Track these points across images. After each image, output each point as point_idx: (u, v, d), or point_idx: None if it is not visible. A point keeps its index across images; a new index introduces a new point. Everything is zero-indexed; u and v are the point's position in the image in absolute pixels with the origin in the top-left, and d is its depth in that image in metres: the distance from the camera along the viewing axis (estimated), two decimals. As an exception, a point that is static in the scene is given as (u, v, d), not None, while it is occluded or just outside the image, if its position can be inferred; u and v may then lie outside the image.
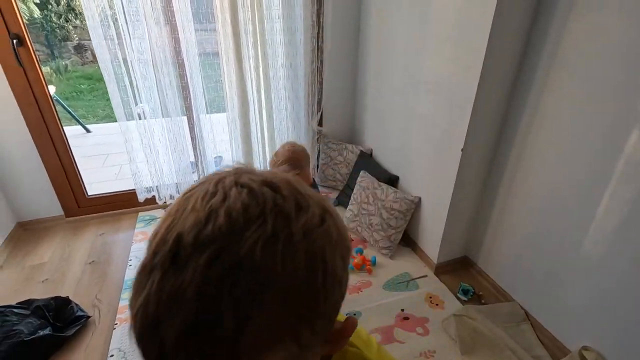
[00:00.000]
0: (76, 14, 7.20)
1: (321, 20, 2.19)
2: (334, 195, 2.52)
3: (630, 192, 1.12)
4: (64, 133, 2.10)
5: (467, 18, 1.41)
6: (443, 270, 1.88)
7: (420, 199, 1.92)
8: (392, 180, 2.13)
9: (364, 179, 2.12)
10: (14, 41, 1.77)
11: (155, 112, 2.05)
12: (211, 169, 2.35)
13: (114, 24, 1.81)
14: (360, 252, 1.98)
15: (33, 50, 1.86)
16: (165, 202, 2.34)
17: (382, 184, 2.04)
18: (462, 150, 1.55)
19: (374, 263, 1.91)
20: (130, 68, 1.91)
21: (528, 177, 1.49)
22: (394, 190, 1.97)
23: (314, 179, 1.66)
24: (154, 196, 2.31)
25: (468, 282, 1.80)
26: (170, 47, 1.95)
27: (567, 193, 1.34)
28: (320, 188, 2.63)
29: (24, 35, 1.81)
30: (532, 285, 1.55)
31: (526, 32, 1.37)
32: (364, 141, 2.53)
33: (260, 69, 2.13)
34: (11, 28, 1.77)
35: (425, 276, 1.85)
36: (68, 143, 2.12)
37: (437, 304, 1.68)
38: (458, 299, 1.72)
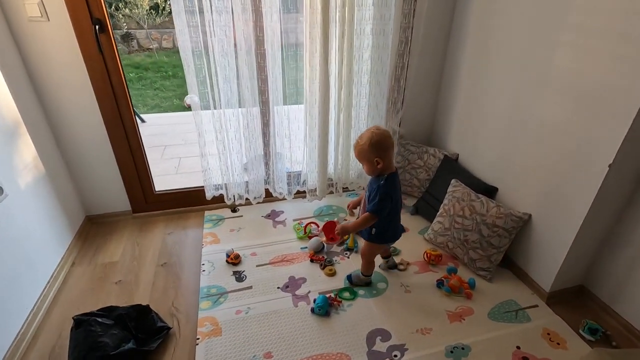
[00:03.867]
0: (125, 3, 7.29)
1: (413, 6, 1.95)
2: (409, 202, 2.30)
3: None
4: (138, 126, 2.00)
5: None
6: (556, 300, 1.63)
7: (530, 216, 1.67)
8: (490, 192, 1.88)
9: (458, 188, 1.89)
10: (97, 27, 1.66)
11: (231, 104, 1.90)
12: (281, 169, 2.19)
13: (199, 10, 1.66)
14: (454, 271, 1.76)
15: (113, 37, 1.74)
16: (233, 202, 2.21)
17: (480, 195, 1.80)
18: (609, 166, 1.29)
19: (472, 286, 1.68)
20: (212, 57, 1.76)
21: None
22: (496, 204, 1.73)
23: (396, 169, 1.47)
24: (221, 194, 2.19)
25: (590, 318, 1.54)
26: (254, 36, 1.78)
27: None
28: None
29: (106, 21, 1.69)
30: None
31: None
32: (446, 145, 2.29)
33: (345, 61, 1.93)
34: (94, 12, 1.65)
35: (536, 306, 1.61)
36: (140, 137, 2.02)
37: (558, 343, 1.44)
38: (582, 338, 1.47)
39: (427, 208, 2.15)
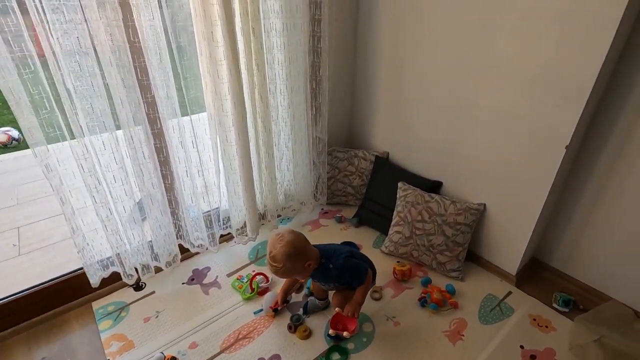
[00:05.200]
0: None
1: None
2: (348, 213, 2.09)
3: None
4: None
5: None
6: (522, 281, 1.67)
7: (485, 205, 1.65)
8: (435, 187, 1.81)
9: (408, 192, 1.75)
10: None
11: (99, 127, 1.26)
12: (194, 210, 1.65)
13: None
14: (429, 281, 1.63)
15: None
16: (139, 280, 1.56)
17: (433, 195, 1.70)
18: (566, 147, 1.31)
19: (453, 293, 1.58)
20: (54, 63, 1.10)
21: (632, 171, 1.33)
22: (451, 201, 1.66)
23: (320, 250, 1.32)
24: (115, 272, 1.52)
25: (551, 287, 1.63)
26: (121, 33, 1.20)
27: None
28: (328, 207, 2.16)
29: None
30: (623, 275, 1.44)
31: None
32: (374, 145, 2.14)
33: (256, 66, 1.52)
34: None
35: (510, 293, 1.61)
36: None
37: (546, 326, 1.46)
38: (558, 311, 1.52)
39: (371, 216, 1.97)
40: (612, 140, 1.36)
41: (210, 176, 1.65)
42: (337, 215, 2.06)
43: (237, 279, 1.64)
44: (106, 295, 1.57)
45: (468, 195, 1.70)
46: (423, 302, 1.54)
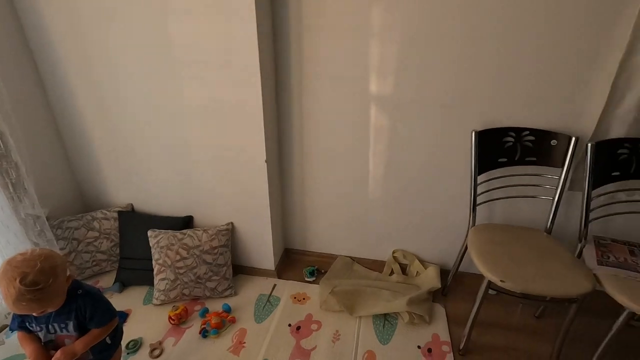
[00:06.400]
0: None
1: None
2: (107, 281, 1.88)
3: (383, 148, 1.73)
4: None
5: (231, 41, 1.44)
6: (282, 271, 2.01)
7: (232, 223, 1.87)
8: (187, 222, 1.90)
9: (160, 237, 1.75)
10: None
11: None
12: None
13: None
14: (206, 311, 1.71)
15: None
16: None
17: (184, 231, 1.78)
18: (266, 161, 1.66)
19: (230, 310, 1.72)
20: None
21: (314, 165, 1.85)
22: (203, 230, 1.79)
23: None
24: None
25: (301, 266, 2.05)
26: None
27: (342, 158, 1.81)
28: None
29: None
30: (341, 236, 2.02)
31: (273, 48, 1.61)
32: (113, 201, 2.00)
33: None
34: None
35: (275, 285, 1.91)
36: None
37: (303, 299, 1.82)
38: (309, 282, 1.93)
39: (134, 274, 1.86)
40: (295, 148, 1.83)
41: None
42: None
43: None
44: None
45: (218, 220, 1.88)
46: (204, 332, 1.60)
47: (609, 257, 1.37)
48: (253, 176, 1.71)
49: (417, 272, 1.93)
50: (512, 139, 1.55)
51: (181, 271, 1.73)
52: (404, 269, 1.98)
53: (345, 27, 1.51)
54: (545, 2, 1.32)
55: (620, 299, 1.19)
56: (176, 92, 1.60)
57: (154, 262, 1.75)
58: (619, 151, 1.43)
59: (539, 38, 1.38)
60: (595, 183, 1.44)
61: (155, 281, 1.75)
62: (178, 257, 1.73)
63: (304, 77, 1.65)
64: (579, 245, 1.48)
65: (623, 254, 1.38)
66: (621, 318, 1.22)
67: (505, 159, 1.58)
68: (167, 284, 1.73)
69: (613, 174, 1.45)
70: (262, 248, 1.91)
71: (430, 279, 1.86)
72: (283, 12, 1.54)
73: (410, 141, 1.68)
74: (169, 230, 1.78)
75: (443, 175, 1.72)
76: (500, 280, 1.26)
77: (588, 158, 1.40)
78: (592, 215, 1.50)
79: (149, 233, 1.77)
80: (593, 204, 1.49)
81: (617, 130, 1.43)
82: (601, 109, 1.42)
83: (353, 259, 2.07)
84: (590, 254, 1.40)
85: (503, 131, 1.55)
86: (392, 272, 1.96)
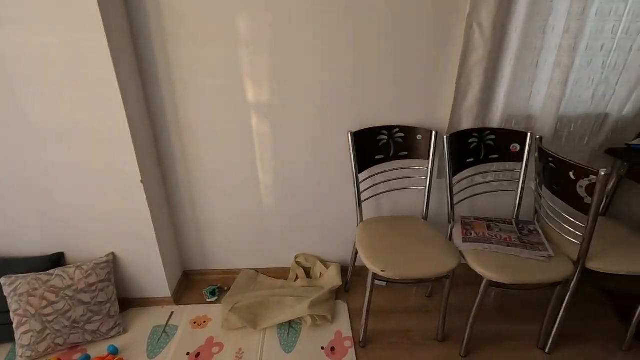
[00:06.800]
0: None
1: None
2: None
3: (269, 156, 1.72)
4: None
5: (79, 55, 1.29)
6: (180, 297, 1.87)
7: (113, 254, 1.68)
8: (58, 260, 1.65)
9: (17, 283, 1.48)
10: None
11: None
12: None
13: None
14: (88, 358, 1.50)
15: None
16: None
17: (51, 271, 1.54)
18: (141, 182, 1.53)
19: (116, 351, 1.54)
20: None
21: (202, 179, 1.76)
22: (75, 266, 1.57)
23: None
24: None
25: (201, 287, 1.93)
26: None
27: (230, 170, 1.76)
28: None
29: None
30: (243, 250, 1.97)
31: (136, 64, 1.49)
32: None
33: None
34: None
35: (173, 313, 1.77)
36: None
37: (204, 322, 1.72)
38: (212, 303, 1.83)
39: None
40: (178, 164, 1.72)
41: None
42: None
43: None
44: None
45: (95, 252, 1.67)
46: (84, 384, 1.40)
47: (471, 234, 1.55)
48: (130, 199, 1.56)
49: (321, 273, 1.97)
50: (385, 137, 1.68)
51: (50, 318, 1.49)
52: (308, 272, 2.00)
53: (212, 35, 1.47)
54: (393, 18, 1.46)
55: (478, 269, 1.36)
56: (18, 113, 1.38)
57: (12, 314, 1.47)
58: (470, 140, 1.64)
59: (395, 49, 1.52)
60: (455, 170, 1.62)
61: (17, 336, 1.47)
62: (44, 303, 1.48)
63: (175, 89, 1.57)
64: (449, 227, 1.65)
65: (482, 230, 1.58)
66: (482, 286, 1.39)
67: (382, 156, 1.70)
68: (32, 336, 1.47)
69: (468, 160, 1.66)
70: (153, 275, 1.75)
71: (331, 278, 1.91)
72: (141, 21, 1.43)
73: (294, 146, 1.71)
74: (30, 274, 1.52)
75: (330, 176, 1.78)
76: (382, 270, 1.34)
77: (446, 148, 1.57)
78: (457, 198, 1.69)
79: (2, 281, 1.49)
80: (456, 189, 1.68)
81: (466, 122, 1.63)
82: (451, 106, 1.61)
83: (257, 270, 2.02)
84: (457, 233, 1.58)
85: (377, 130, 1.66)
86: (297, 278, 1.96)
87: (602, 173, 1.17)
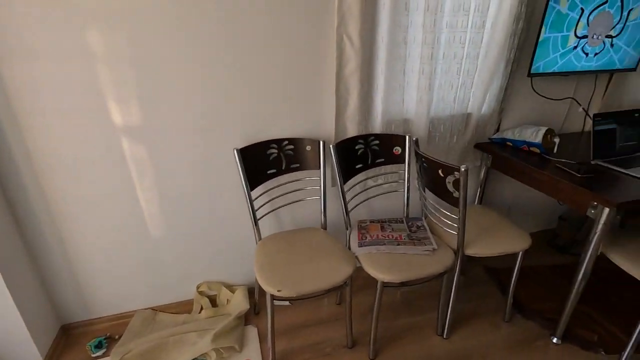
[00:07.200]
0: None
1: None
2: None
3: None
4: None
5: None
6: (58, 357, 1.57)
7: (-49, 324, 1.35)
8: None
9: None
10: None
11: None
12: None
13: None
14: None
15: None
16: None
17: None
18: (-21, 231, 1.25)
19: None
20: None
21: (71, 218, 1.52)
22: None
23: None
24: None
25: (85, 341, 1.66)
26: None
27: (106, 202, 1.56)
28: None
29: None
30: (135, 288, 1.75)
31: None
32: None
33: None
34: None
35: (46, 381, 1.48)
36: None
37: (88, 382, 1.47)
38: (99, 357, 1.58)
39: None
40: (36, 205, 1.46)
41: None
42: None
43: None
44: None
45: None
46: None
47: (366, 238, 1.59)
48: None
49: (227, 299, 1.85)
50: (275, 150, 1.64)
51: None
52: (213, 301, 1.86)
53: (61, 52, 1.27)
54: (272, 28, 1.44)
55: (372, 272, 1.40)
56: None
57: None
58: (357, 147, 1.70)
59: (275, 61, 1.49)
60: (345, 176, 1.66)
61: None
62: None
63: (20, 118, 1.32)
64: (347, 233, 1.68)
65: (376, 232, 1.64)
66: (378, 287, 1.43)
67: (274, 170, 1.66)
68: None
69: (357, 166, 1.71)
70: (13, 341, 1.45)
71: (239, 303, 1.80)
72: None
73: (177, 170, 1.58)
74: None
75: (221, 196, 1.68)
76: (277, 291, 1.29)
77: (333, 157, 1.60)
78: (353, 203, 1.73)
79: None
80: (350, 194, 1.72)
81: (351, 129, 1.69)
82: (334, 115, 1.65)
83: (155, 309, 1.82)
84: (354, 238, 1.61)
85: (266, 144, 1.62)
86: (201, 309, 1.81)
87: (462, 169, 1.29)
